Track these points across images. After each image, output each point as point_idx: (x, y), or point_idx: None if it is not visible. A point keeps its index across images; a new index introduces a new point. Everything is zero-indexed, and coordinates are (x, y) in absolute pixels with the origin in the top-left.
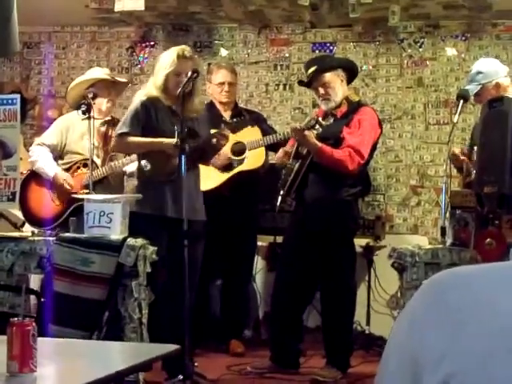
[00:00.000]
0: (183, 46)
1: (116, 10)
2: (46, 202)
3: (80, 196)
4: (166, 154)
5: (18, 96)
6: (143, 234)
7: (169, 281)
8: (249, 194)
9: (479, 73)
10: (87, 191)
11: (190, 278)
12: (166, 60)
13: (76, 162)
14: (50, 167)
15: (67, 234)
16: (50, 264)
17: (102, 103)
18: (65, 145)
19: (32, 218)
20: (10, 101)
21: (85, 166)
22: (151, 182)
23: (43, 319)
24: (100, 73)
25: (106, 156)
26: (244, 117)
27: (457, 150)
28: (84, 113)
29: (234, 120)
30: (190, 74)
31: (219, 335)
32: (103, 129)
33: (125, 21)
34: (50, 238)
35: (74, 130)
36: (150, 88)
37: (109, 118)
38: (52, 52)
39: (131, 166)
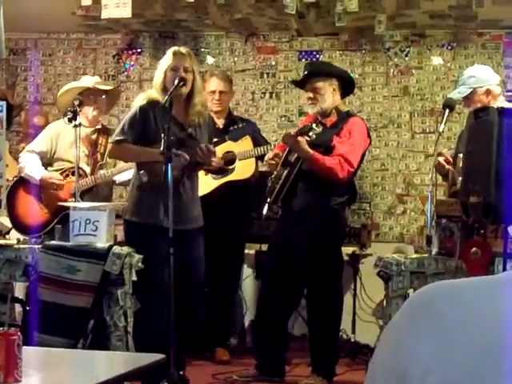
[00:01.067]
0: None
1: (103, 17)
2: (33, 210)
3: (67, 204)
4: (160, 164)
5: (3, 103)
6: (139, 242)
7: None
8: (237, 204)
9: (472, 77)
10: (74, 200)
11: (194, 284)
12: (163, 60)
13: (65, 170)
14: (36, 171)
15: (53, 242)
16: (35, 272)
17: (88, 112)
18: (54, 152)
19: (20, 225)
20: None
21: (74, 173)
22: (147, 191)
23: (28, 327)
24: (89, 81)
25: (96, 165)
26: (241, 125)
27: (441, 158)
28: (70, 120)
29: (233, 128)
30: (176, 82)
31: (205, 343)
32: (93, 137)
33: (111, 28)
34: (36, 246)
35: (65, 138)
36: (150, 90)
37: (99, 126)
38: (38, 59)
39: (121, 176)
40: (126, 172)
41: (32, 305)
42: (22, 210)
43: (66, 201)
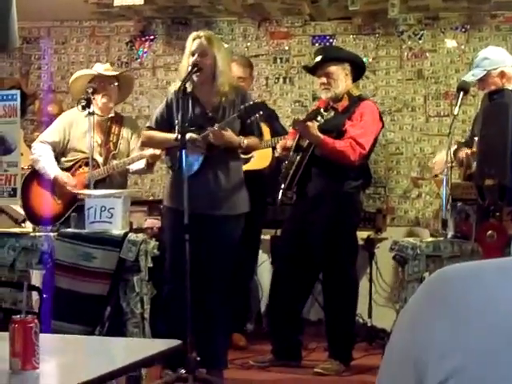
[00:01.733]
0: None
1: (115, 4)
2: (47, 201)
3: (82, 192)
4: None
5: (17, 92)
6: (166, 226)
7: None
8: (253, 191)
9: (486, 59)
10: (88, 191)
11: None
12: (186, 48)
13: (78, 161)
14: (50, 168)
15: (68, 230)
16: (51, 260)
17: (98, 99)
18: (68, 141)
19: (33, 216)
20: (9, 96)
21: (87, 164)
22: (173, 176)
23: (45, 315)
24: (98, 68)
25: (108, 154)
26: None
27: (463, 153)
28: (84, 108)
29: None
30: (188, 69)
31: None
32: (106, 126)
33: (124, 15)
34: (52, 234)
35: (78, 127)
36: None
37: (112, 114)
38: (51, 47)
39: (135, 164)
40: (139, 161)
41: (48, 292)
42: (35, 201)
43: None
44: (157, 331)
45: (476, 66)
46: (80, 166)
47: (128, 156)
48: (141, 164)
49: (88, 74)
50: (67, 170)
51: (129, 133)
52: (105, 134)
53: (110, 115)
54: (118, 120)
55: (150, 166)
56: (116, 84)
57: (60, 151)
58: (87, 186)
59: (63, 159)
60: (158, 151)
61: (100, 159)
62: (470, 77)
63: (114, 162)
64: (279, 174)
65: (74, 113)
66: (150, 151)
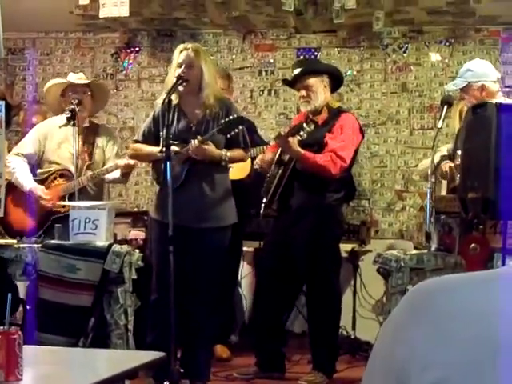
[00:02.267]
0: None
1: (101, 16)
2: (22, 213)
3: (62, 203)
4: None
5: (2, 102)
6: (151, 237)
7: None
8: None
9: (468, 70)
10: (64, 203)
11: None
12: (173, 60)
13: (53, 173)
14: (25, 181)
15: (52, 241)
16: (35, 271)
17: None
18: (43, 153)
19: (8, 229)
20: None
21: (61, 176)
22: (160, 188)
23: (28, 326)
24: (70, 78)
25: (83, 165)
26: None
27: (447, 166)
28: (69, 120)
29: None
30: (174, 80)
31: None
32: (81, 136)
33: (109, 27)
34: (36, 245)
35: (52, 139)
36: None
37: (86, 124)
38: (36, 58)
39: (111, 174)
40: (114, 171)
41: (32, 304)
42: (10, 214)
43: (54, 205)
44: (142, 342)
45: (459, 77)
46: (55, 178)
47: (103, 165)
48: (116, 173)
49: (60, 83)
50: (42, 181)
51: (104, 142)
52: (79, 144)
53: (84, 125)
54: (93, 129)
55: (125, 176)
56: (89, 93)
57: (36, 163)
58: (62, 198)
59: (39, 171)
60: (132, 161)
61: (73, 169)
62: (452, 86)
63: (89, 172)
64: (259, 184)
65: (49, 124)
66: (124, 161)
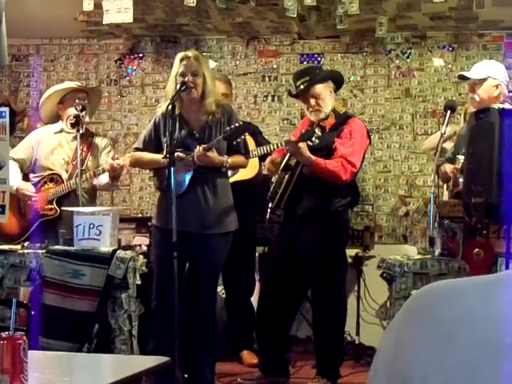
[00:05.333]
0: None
1: (104, 22)
2: (11, 216)
3: (70, 209)
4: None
5: (6, 109)
6: (154, 244)
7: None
8: (243, 204)
9: (490, 65)
10: (52, 206)
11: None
12: (173, 67)
13: (44, 177)
14: (13, 180)
15: (57, 247)
16: (39, 277)
17: (66, 115)
18: (36, 160)
19: None
20: None
21: (51, 180)
22: (163, 195)
23: (33, 332)
24: (65, 85)
25: (74, 171)
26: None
27: (448, 168)
28: (73, 126)
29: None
30: (177, 87)
31: (230, 346)
32: (74, 143)
33: (113, 33)
34: (40, 251)
35: (45, 145)
36: (165, 98)
37: (82, 131)
38: (40, 64)
39: (101, 180)
40: (102, 176)
41: (36, 309)
42: None
43: (42, 208)
44: (146, 348)
45: (478, 68)
46: (45, 182)
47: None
48: (105, 178)
49: (62, 89)
50: (34, 186)
51: (99, 148)
52: (73, 150)
53: (80, 132)
54: (88, 137)
55: (113, 180)
56: (86, 101)
57: (28, 168)
58: (50, 202)
59: (32, 175)
60: (117, 161)
61: (65, 175)
62: (471, 73)
63: (77, 178)
64: (266, 189)
65: (43, 131)
66: (109, 162)
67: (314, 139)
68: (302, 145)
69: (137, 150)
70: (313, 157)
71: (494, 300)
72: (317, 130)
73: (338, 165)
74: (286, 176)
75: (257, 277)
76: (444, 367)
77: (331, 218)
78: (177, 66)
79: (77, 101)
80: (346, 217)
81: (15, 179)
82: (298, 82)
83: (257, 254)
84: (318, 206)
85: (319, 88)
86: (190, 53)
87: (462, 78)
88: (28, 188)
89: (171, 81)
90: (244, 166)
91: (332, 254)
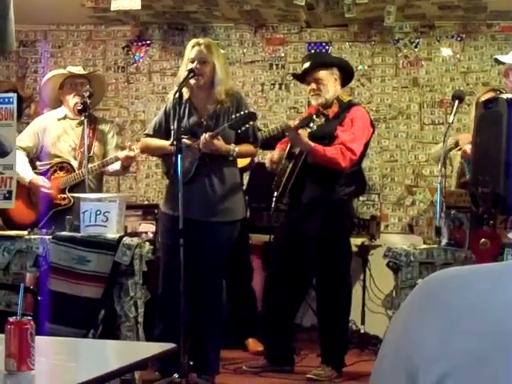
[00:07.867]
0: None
1: (112, 9)
2: (23, 207)
3: (77, 195)
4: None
5: (14, 95)
6: (162, 230)
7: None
8: None
9: None
10: (65, 196)
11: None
12: (185, 53)
13: (53, 166)
14: (25, 173)
15: (63, 233)
16: (46, 263)
17: (69, 100)
18: (42, 146)
19: (10, 223)
20: (6, 100)
21: (61, 169)
22: (170, 182)
23: (39, 317)
24: (61, 70)
25: (83, 158)
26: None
27: (467, 147)
28: (80, 112)
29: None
30: (185, 74)
31: (234, 334)
32: (79, 129)
33: (121, 20)
34: (47, 237)
35: (50, 132)
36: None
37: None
38: (48, 50)
39: (111, 166)
40: (114, 164)
41: (43, 295)
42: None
43: (55, 197)
44: (152, 334)
45: None
46: (55, 171)
47: (103, 158)
48: (116, 165)
49: (60, 74)
50: (42, 174)
51: (104, 134)
52: (78, 137)
53: (82, 118)
54: (92, 122)
55: (125, 168)
56: (88, 86)
57: (34, 156)
58: (62, 191)
59: (38, 163)
60: (132, 153)
61: (75, 163)
62: (507, 58)
63: (89, 165)
64: (271, 177)
65: (47, 117)
66: (124, 153)
67: (312, 125)
68: (301, 131)
69: (147, 136)
70: (312, 143)
71: (502, 288)
72: (315, 117)
73: (337, 151)
74: (290, 164)
75: (262, 265)
76: (451, 354)
77: (335, 206)
78: (188, 52)
79: (83, 88)
80: (350, 205)
81: (26, 171)
82: (305, 65)
83: (261, 243)
84: (322, 195)
85: (322, 73)
86: (201, 40)
87: (497, 61)
88: (41, 183)
89: (182, 66)
90: (253, 155)
91: (336, 243)
